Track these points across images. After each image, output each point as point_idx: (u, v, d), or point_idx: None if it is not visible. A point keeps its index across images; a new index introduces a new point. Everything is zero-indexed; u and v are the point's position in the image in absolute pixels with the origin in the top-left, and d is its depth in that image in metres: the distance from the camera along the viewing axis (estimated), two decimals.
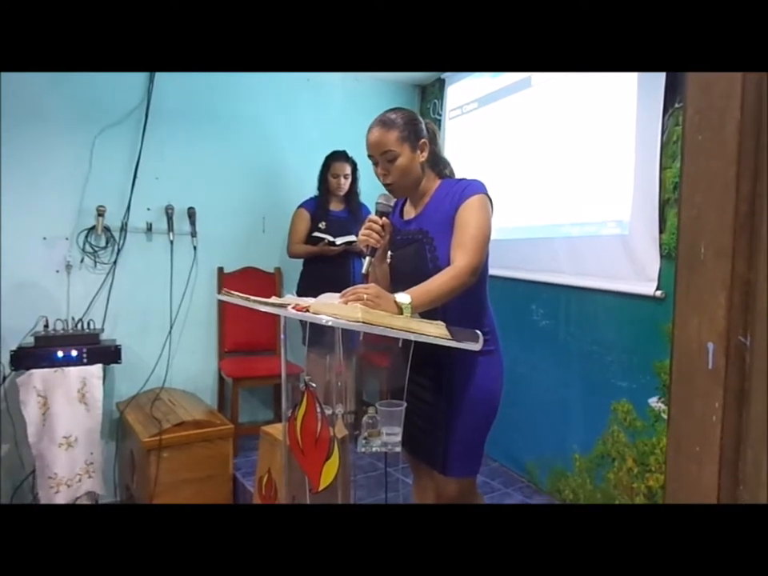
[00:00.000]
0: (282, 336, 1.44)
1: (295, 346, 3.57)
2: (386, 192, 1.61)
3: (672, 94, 2.09)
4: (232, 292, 1.40)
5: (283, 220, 3.37)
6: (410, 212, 1.69)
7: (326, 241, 3.03)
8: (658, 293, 2.14)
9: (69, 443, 2.80)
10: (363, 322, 1.17)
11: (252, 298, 1.36)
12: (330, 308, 1.27)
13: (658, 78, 2.12)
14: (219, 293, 3.34)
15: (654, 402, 2.17)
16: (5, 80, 2.81)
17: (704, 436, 0.54)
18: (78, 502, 2.88)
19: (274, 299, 1.42)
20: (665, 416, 2.13)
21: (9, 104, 2.88)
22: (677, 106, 2.09)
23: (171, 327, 3.26)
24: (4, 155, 2.89)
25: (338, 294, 1.39)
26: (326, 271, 3.05)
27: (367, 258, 1.54)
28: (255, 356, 3.45)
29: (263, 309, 1.33)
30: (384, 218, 1.55)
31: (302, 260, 3.23)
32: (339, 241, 3.01)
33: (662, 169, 2.14)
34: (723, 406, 0.53)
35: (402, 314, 1.32)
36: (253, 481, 2.84)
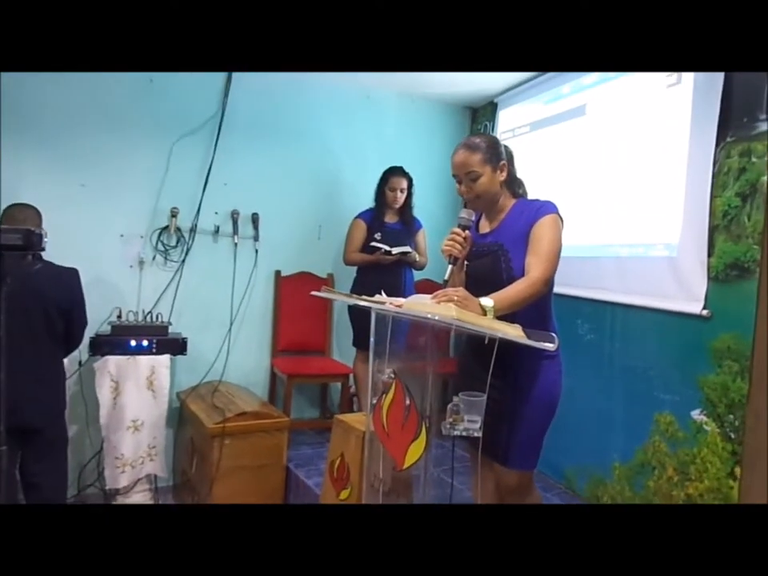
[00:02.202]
0: (372, 339, 1.62)
1: (343, 347, 3.78)
2: (465, 207, 1.80)
3: (725, 128, 2.25)
4: (331, 289, 1.59)
5: (338, 229, 3.59)
6: (485, 226, 1.87)
7: (383, 250, 3.21)
8: (705, 312, 2.28)
9: (135, 427, 3.02)
10: (458, 320, 1.35)
11: (353, 295, 1.55)
12: (424, 307, 1.46)
13: (712, 112, 2.28)
14: (275, 295, 3.59)
15: (696, 414, 2.30)
16: (93, 86, 3.08)
17: None
18: (139, 483, 3.09)
19: (366, 298, 1.61)
20: (707, 428, 2.26)
21: (95, 110, 3.14)
22: (728, 140, 2.25)
23: (231, 324, 3.47)
24: (89, 156, 3.15)
25: (426, 296, 1.57)
26: (378, 279, 3.17)
27: (449, 267, 1.72)
28: (306, 356, 3.64)
29: (362, 304, 1.52)
30: (466, 231, 1.74)
31: (355, 267, 3.42)
32: (395, 251, 3.19)
33: (713, 197, 2.29)
34: None
35: (485, 315, 1.50)
36: (305, 472, 3.02)
